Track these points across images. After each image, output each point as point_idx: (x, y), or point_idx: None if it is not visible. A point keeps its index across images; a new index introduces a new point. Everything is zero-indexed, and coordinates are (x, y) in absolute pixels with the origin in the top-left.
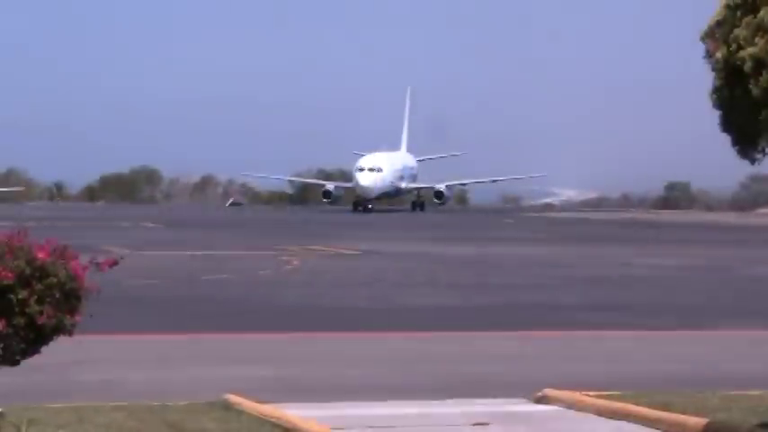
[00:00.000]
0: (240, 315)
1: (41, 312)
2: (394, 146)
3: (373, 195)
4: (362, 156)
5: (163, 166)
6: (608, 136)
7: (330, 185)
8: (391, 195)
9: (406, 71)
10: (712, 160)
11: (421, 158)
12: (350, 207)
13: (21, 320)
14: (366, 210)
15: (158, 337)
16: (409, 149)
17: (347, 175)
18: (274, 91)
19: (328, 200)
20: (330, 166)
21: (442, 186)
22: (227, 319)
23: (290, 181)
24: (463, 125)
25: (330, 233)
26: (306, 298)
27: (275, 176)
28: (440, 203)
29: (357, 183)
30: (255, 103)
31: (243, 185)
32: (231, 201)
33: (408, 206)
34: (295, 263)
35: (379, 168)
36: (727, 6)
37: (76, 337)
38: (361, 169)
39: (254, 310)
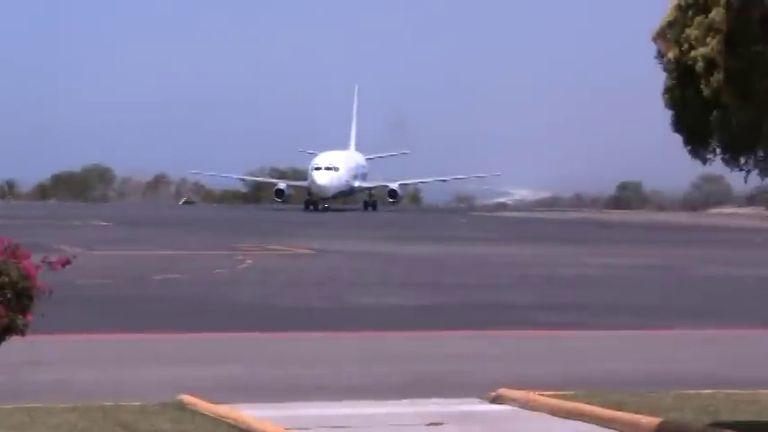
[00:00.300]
0: (194, 315)
1: None
2: (343, 145)
3: (330, 194)
4: (313, 154)
5: (115, 165)
6: (561, 136)
7: (282, 184)
8: (346, 194)
9: (361, 70)
10: (664, 160)
11: (370, 157)
12: (302, 206)
13: None
14: (322, 209)
15: (111, 337)
16: (358, 148)
17: (300, 174)
18: (227, 90)
19: (281, 199)
20: (283, 164)
21: (395, 185)
22: (180, 319)
23: (243, 180)
24: (417, 124)
25: (284, 232)
26: (260, 297)
27: (224, 175)
28: (393, 202)
29: (313, 181)
30: (209, 103)
31: (196, 184)
32: (184, 199)
33: (360, 205)
34: (249, 262)
35: (335, 167)
36: (679, 7)
37: (29, 337)
38: (318, 168)
39: (208, 310)
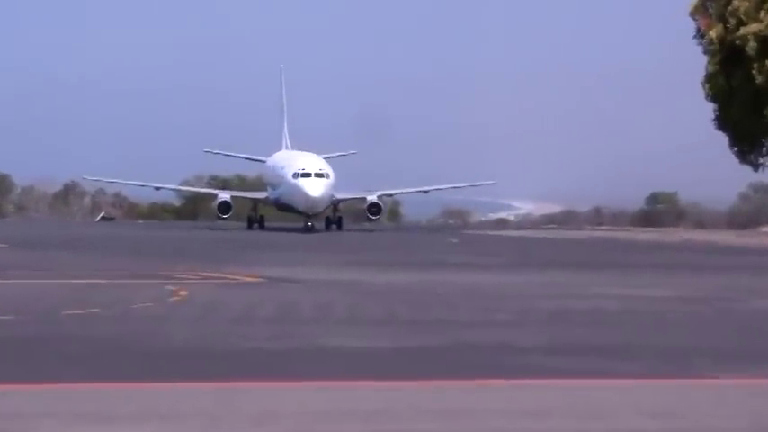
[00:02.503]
0: (110, 360)
1: None
2: (275, 144)
3: (321, 209)
4: (221, 155)
5: (15, 172)
6: (576, 137)
7: (225, 195)
8: (327, 208)
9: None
10: (705, 166)
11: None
12: (244, 222)
13: None
14: (309, 227)
15: (7, 388)
16: (304, 147)
17: (250, 183)
18: (159, 83)
19: (226, 214)
20: (225, 172)
21: (373, 197)
22: (93, 365)
23: (176, 191)
24: (395, 121)
25: (227, 256)
26: (194, 339)
27: (151, 184)
28: (372, 219)
29: (301, 192)
30: (135, 96)
31: (117, 196)
32: (102, 215)
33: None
34: (182, 293)
35: (326, 173)
36: None
37: None
38: (306, 174)
39: (128, 354)
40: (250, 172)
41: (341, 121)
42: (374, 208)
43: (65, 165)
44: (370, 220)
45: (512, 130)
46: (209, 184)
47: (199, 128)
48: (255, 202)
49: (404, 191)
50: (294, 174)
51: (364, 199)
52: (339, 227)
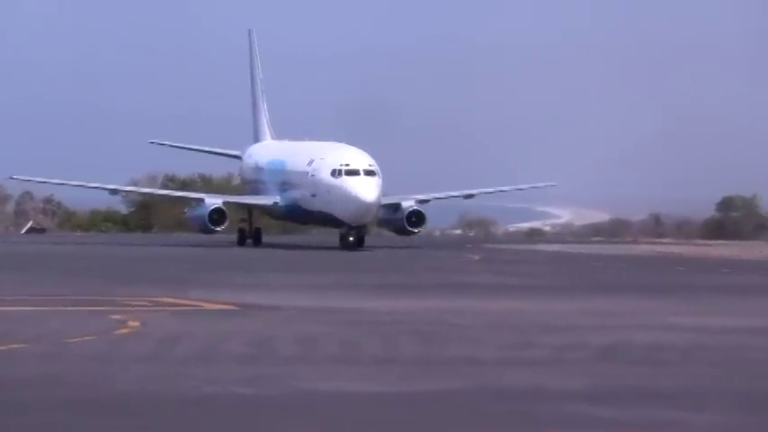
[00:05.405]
0: (41, 411)
1: None
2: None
3: (369, 219)
4: (166, 146)
5: None
6: (626, 131)
7: (215, 200)
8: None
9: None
10: None
11: None
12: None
13: None
14: (358, 244)
15: None
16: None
17: (218, 185)
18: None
19: (219, 226)
20: (183, 171)
21: (410, 202)
22: (18, 419)
23: (118, 192)
24: (401, 115)
25: (194, 277)
26: (145, 382)
27: (93, 185)
28: (414, 231)
29: (348, 196)
30: (74, 78)
31: (49, 201)
32: (30, 224)
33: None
34: (133, 324)
35: (377, 171)
36: None
37: None
38: (353, 172)
39: (62, 404)
40: (213, 171)
41: (324, 106)
42: (414, 217)
43: None
44: (410, 232)
45: (540, 123)
46: (166, 187)
47: (142, 115)
48: (250, 209)
49: (441, 195)
50: (334, 171)
51: (398, 206)
52: (360, 243)
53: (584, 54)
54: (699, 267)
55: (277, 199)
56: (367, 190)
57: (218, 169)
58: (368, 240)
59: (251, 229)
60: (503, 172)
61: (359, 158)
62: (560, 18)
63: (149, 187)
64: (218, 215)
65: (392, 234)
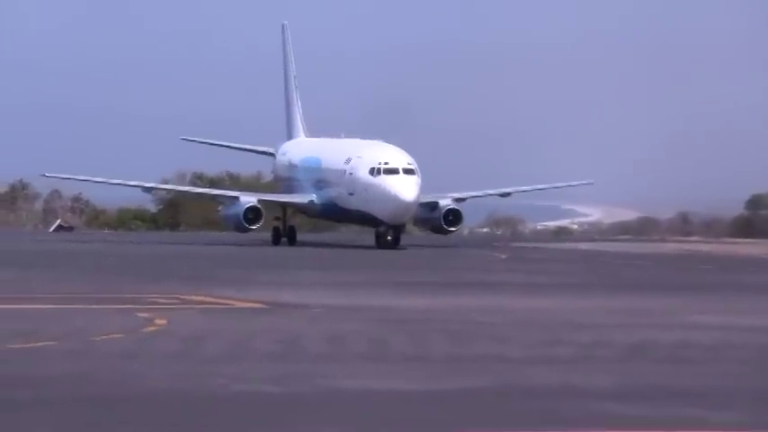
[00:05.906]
0: (68, 408)
1: None
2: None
3: (407, 218)
4: (195, 142)
5: None
6: (653, 129)
7: (250, 198)
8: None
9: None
10: None
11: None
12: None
13: None
14: (394, 242)
15: None
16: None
17: (246, 183)
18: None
19: (254, 224)
20: (212, 170)
21: (447, 201)
22: (48, 415)
23: (150, 190)
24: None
25: (222, 274)
26: (173, 380)
27: (128, 183)
28: (451, 230)
29: (387, 195)
30: (96, 79)
31: (77, 200)
32: (58, 223)
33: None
34: (160, 322)
35: (416, 170)
36: None
37: None
38: (392, 170)
39: (89, 401)
40: (241, 169)
41: (354, 104)
42: (451, 216)
43: (10, 162)
44: (447, 231)
45: (569, 123)
46: (194, 185)
47: (173, 114)
48: (285, 207)
49: (479, 193)
50: (372, 169)
51: (436, 204)
52: (397, 242)
53: (613, 54)
54: (726, 266)
55: (313, 197)
56: (406, 189)
57: (246, 168)
58: (402, 239)
59: (285, 227)
60: (531, 171)
61: (398, 157)
62: (588, 17)
63: (178, 186)
64: (253, 214)
65: (424, 233)
